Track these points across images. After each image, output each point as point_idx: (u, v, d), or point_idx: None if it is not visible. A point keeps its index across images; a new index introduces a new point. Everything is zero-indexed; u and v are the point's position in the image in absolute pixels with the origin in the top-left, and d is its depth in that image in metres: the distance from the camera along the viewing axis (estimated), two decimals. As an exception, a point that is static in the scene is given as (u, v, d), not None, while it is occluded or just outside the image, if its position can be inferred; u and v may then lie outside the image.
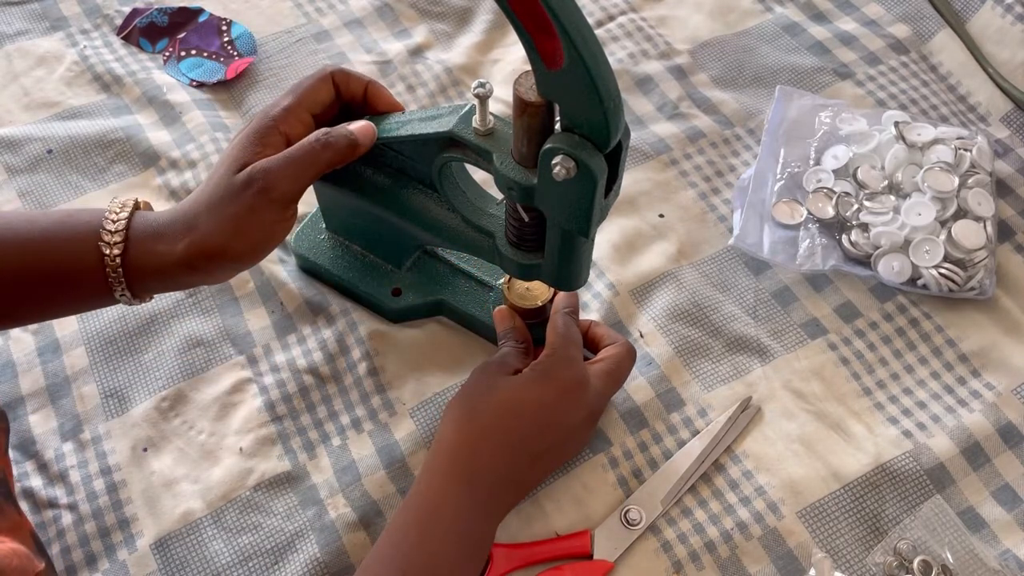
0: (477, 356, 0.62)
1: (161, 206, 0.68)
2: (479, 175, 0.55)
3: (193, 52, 0.80)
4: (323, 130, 0.50)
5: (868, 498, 0.56)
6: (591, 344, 0.58)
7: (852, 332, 0.63)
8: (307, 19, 0.83)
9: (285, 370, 0.61)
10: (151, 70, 0.78)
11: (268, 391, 0.61)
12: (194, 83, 0.78)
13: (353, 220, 0.63)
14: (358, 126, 0.52)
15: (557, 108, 0.43)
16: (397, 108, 0.55)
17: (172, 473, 0.58)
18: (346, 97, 0.55)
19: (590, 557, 0.54)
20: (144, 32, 0.81)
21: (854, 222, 0.66)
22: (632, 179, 0.71)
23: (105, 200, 0.69)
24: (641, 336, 0.63)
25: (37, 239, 0.49)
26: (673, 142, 0.73)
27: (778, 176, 0.70)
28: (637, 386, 0.60)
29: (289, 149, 0.50)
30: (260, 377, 0.61)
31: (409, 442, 0.58)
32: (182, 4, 0.83)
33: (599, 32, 0.81)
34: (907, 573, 0.53)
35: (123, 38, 0.81)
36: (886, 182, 0.67)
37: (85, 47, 0.80)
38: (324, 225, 0.65)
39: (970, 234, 0.63)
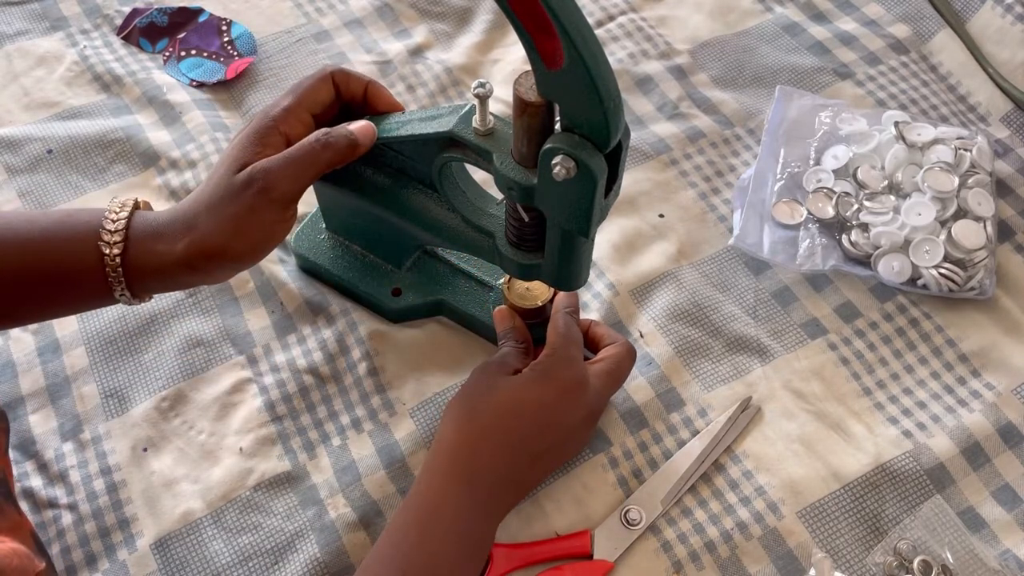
0: (477, 356, 0.62)
1: (161, 206, 0.68)
2: (479, 175, 0.55)
3: (193, 52, 0.80)
4: (323, 130, 0.50)
5: (868, 498, 0.56)
6: (591, 344, 0.58)
7: (852, 332, 0.63)
8: (307, 19, 0.83)
9: (285, 370, 0.61)
10: (151, 70, 0.78)
11: (268, 391, 0.61)
12: (194, 83, 0.78)
13: (353, 220, 0.63)
14: (358, 126, 0.52)
15: (557, 108, 0.43)
16: (397, 108, 0.55)
17: (172, 473, 0.58)
18: (346, 97, 0.55)
19: (590, 557, 0.54)
20: (144, 32, 0.81)
21: (854, 222, 0.66)
22: (632, 179, 0.71)
23: (105, 200, 0.69)
24: (641, 336, 0.63)
25: (37, 239, 0.49)
26: (673, 142, 0.73)
27: (778, 176, 0.70)
28: (637, 386, 0.60)
29: (289, 149, 0.50)
30: (260, 377, 0.61)
31: (409, 442, 0.58)
32: (182, 4, 0.83)
33: (599, 32, 0.81)
34: (907, 573, 0.53)
35: (123, 38, 0.81)
36: (886, 182, 0.67)
37: (85, 47, 0.80)
38: (324, 225, 0.65)
39: (970, 234, 0.63)
